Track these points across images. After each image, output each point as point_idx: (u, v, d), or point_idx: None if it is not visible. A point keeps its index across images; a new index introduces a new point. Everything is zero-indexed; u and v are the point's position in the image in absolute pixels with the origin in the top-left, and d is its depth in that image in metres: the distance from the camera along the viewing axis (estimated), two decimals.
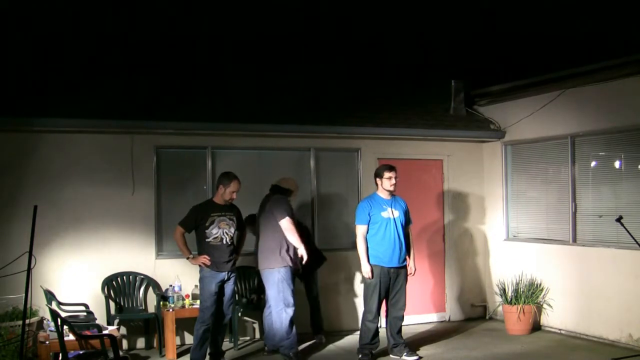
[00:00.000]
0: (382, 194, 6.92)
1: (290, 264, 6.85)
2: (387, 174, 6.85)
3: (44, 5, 8.56)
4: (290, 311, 6.81)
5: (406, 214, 7.01)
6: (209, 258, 6.48)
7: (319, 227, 8.40)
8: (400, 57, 10.11)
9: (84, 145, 7.51)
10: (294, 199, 7.28)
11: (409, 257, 6.99)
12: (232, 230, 6.66)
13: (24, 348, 5.48)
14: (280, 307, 6.81)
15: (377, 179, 6.93)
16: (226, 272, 6.59)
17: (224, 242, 6.57)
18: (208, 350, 6.68)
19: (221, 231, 6.56)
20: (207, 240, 6.53)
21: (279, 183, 7.18)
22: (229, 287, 6.67)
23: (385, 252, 6.77)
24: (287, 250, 6.84)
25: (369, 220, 6.81)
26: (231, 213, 6.69)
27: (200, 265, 6.54)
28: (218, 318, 6.64)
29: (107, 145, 7.60)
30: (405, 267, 6.93)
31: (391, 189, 6.88)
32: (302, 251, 6.74)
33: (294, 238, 6.75)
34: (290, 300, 6.82)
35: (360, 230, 6.83)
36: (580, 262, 7.92)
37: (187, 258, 6.61)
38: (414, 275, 7.09)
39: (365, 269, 6.75)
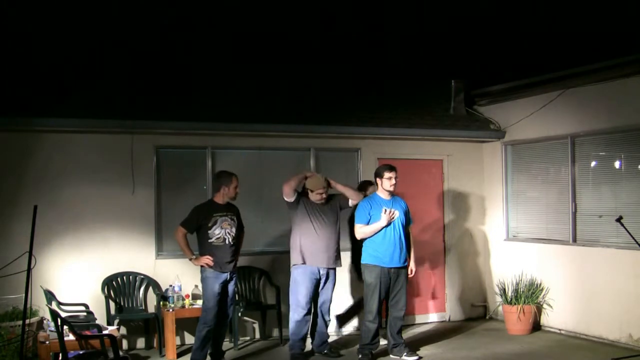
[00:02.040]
0: (382, 194, 6.92)
1: (307, 261, 6.81)
2: (387, 174, 6.85)
3: (44, 4, 8.56)
4: (297, 313, 6.85)
5: (406, 214, 7.01)
6: (212, 258, 6.46)
7: None
8: (400, 57, 10.11)
9: (84, 145, 7.51)
10: (318, 196, 6.91)
11: (409, 257, 6.99)
12: (234, 230, 6.64)
13: (24, 348, 5.48)
14: (292, 307, 6.90)
15: (377, 179, 6.93)
16: (228, 273, 6.59)
17: (227, 242, 6.56)
18: (208, 351, 6.68)
19: (224, 231, 6.55)
20: (209, 240, 6.51)
21: None
22: (230, 288, 6.66)
23: (386, 252, 6.76)
24: (303, 248, 6.83)
25: (369, 220, 6.81)
26: (232, 213, 6.69)
27: (202, 266, 6.52)
28: (220, 319, 6.63)
29: (107, 145, 7.60)
30: (405, 267, 6.93)
31: (391, 189, 6.87)
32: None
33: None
34: (301, 301, 6.82)
35: (359, 227, 6.84)
36: (580, 262, 7.92)
37: (190, 259, 6.57)
38: (413, 275, 7.09)
39: (383, 221, 6.67)
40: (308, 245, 6.85)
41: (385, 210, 6.69)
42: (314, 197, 6.92)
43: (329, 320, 7.15)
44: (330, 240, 6.91)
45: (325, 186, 6.93)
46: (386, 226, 6.73)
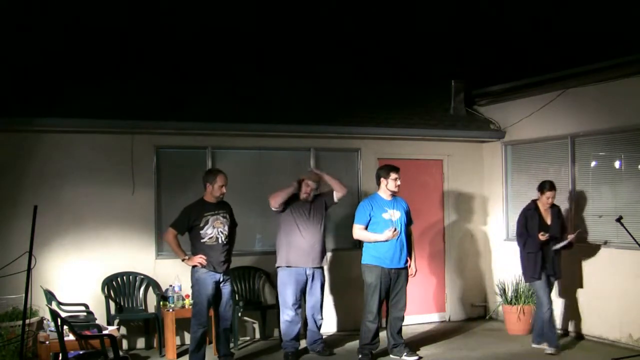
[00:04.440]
0: (384, 194, 6.91)
1: (293, 263, 6.88)
2: (393, 175, 6.84)
3: (43, 4, 8.55)
4: (285, 314, 6.95)
5: (407, 214, 7.00)
6: (205, 258, 6.40)
7: None
8: (400, 57, 10.11)
9: (84, 145, 7.50)
10: (307, 188, 7.01)
11: (410, 257, 6.98)
12: (227, 228, 6.58)
13: (24, 348, 5.48)
14: (281, 308, 6.98)
15: (382, 179, 6.91)
16: (221, 274, 6.54)
17: (220, 241, 6.50)
18: (222, 352, 6.65)
19: (216, 230, 6.49)
20: (202, 240, 6.45)
21: None
22: (226, 290, 6.61)
23: (386, 253, 6.76)
24: (288, 250, 6.90)
25: (369, 221, 6.80)
26: (224, 210, 6.61)
27: (195, 266, 6.45)
28: (218, 320, 6.60)
29: (107, 145, 7.60)
30: (406, 268, 6.92)
31: (396, 189, 6.88)
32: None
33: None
34: (288, 302, 6.91)
35: (358, 229, 6.85)
36: (580, 262, 7.90)
37: (183, 260, 6.51)
38: (414, 276, 7.08)
39: (387, 234, 6.67)
40: (293, 247, 6.94)
41: (394, 230, 6.69)
42: (303, 187, 7.00)
43: (320, 319, 7.16)
44: (314, 240, 6.98)
45: (316, 184, 7.02)
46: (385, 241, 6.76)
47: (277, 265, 7.07)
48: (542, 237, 7.02)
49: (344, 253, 8.36)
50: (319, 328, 7.16)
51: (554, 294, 7.54)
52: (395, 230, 6.70)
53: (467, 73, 9.58)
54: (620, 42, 7.77)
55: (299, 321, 7.00)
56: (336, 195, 7.12)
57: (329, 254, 7.85)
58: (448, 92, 9.38)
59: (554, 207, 7.32)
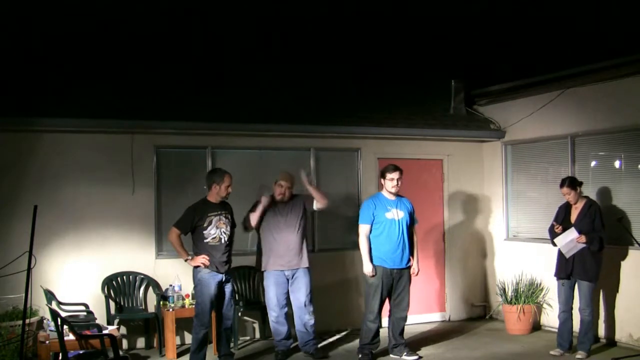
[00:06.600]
0: (387, 194, 6.91)
1: (270, 266, 6.92)
2: (389, 175, 6.83)
3: (42, 4, 8.55)
4: (270, 315, 7.02)
5: (411, 214, 6.99)
6: (208, 258, 6.41)
7: (318, 227, 8.39)
8: (400, 57, 10.11)
9: (84, 145, 7.50)
10: (279, 189, 7.00)
11: (413, 257, 6.97)
12: (229, 228, 6.60)
13: (24, 348, 5.48)
14: (268, 309, 7.05)
15: (381, 179, 6.93)
16: (224, 274, 6.55)
17: (222, 241, 6.51)
18: (223, 352, 6.67)
19: (219, 231, 6.49)
20: (205, 240, 6.45)
21: None
22: (227, 289, 6.62)
23: (389, 253, 6.76)
24: (265, 253, 6.96)
25: (373, 220, 6.80)
26: (226, 211, 6.62)
27: (198, 267, 6.46)
28: (220, 320, 6.62)
29: (107, 145, 7.60)
30: (408, 268, 6.91)
31: (392, 190, 6.86)
32: None
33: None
34: (271, 304, 6.98)
35: (363, 229, 6.82)
36: None
37: (186, 260, 6.51)
38: (417, 275, 7.06)
39: (368, 269, 6.73)
40: (268, 250, 6.96)
41: (370, 274, 6.74)
42: (276, 189, 7.00)
43: (310, 319, 7.04)
44: (290, 242, 6.94)
45: (289, 183, 6.99)
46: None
47: (262, 268, 7.06)
48: (556, 228, 6.90)
49: (342, 253, 8.36)
50: (308, 329, 7.07)
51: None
52: (373, 275, 6.72)
53: (467, 73, 9.59)
54: (620, 42, 7.77)
55: (284, 322, 7.00)
56: (316, 205, 7.08)
57: (327, 254, 7.86)
58: (448, 92, 9.38)
59: (586, 204, 6.97)
